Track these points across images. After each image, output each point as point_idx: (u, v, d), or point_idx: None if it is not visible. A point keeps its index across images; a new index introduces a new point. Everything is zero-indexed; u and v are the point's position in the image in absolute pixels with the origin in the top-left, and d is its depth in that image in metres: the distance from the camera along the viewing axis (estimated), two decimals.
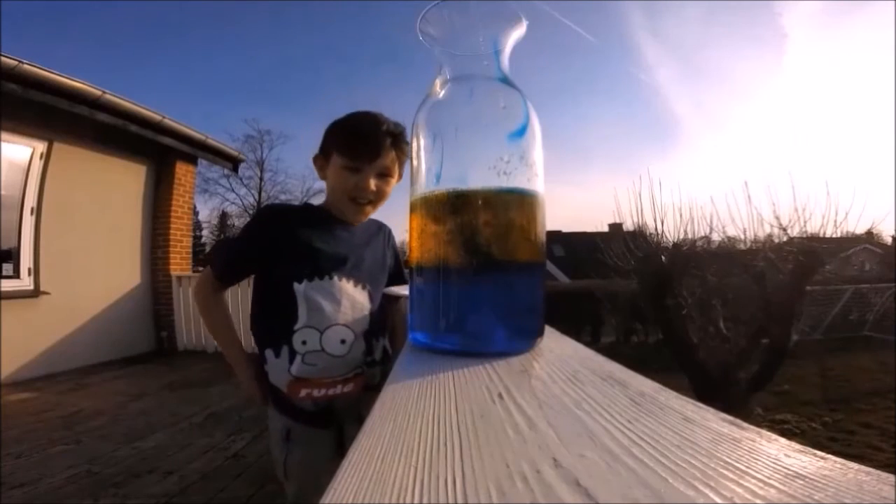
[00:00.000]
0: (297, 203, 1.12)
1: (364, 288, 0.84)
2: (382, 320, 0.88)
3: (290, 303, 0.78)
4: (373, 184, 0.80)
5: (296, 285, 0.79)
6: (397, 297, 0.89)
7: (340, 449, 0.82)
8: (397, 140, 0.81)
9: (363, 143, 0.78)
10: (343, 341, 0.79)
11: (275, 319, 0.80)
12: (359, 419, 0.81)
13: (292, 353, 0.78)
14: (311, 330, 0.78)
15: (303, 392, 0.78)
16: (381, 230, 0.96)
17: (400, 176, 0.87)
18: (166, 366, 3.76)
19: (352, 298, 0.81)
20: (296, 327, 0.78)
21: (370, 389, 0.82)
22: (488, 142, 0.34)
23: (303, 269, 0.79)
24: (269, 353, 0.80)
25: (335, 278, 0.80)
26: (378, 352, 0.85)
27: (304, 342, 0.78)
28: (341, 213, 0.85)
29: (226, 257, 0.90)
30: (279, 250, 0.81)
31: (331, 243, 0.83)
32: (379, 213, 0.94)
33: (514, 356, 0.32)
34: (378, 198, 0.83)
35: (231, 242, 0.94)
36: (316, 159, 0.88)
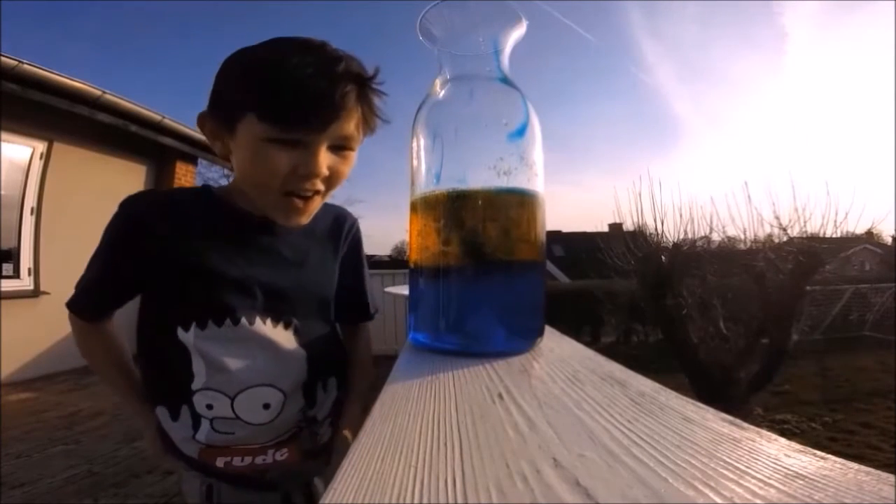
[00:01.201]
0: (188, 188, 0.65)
1: (288, 326, 0.56)
2: (329, 359, 0.62)
3: (179, 354, 0.52)
4: (325, 164, 0.48)
5: (181, 332, 0.52)
6: (355, 324, 0.70)
7: None
8: (364, 88, 0.49)
9: (311, 99, 0.45)
10: (267, 406, 0.54)
11: (161, 371, 0.56)
12: (308, 491, 0.63)
13: (196, 417, 0.54)
14: (216, 393, 0.53)
15: (219, 461, 0.55)
16: (336, 224, 0.64)
17: (372, 131, 0.53)
18: None
19: (272, 347, 0.54)
20: (194, 387, 0.53)
21: (316, 454, 0.61)
22: (488, 142, 0.34)
23: (192, 308, 0.52)
24: (162, 412, 0.56)
25: (242, 321, 0.52)
26: (325, 405, 0.61)
27: (209, 406, 0.53)
28: (261, 210, 0.54)
29: (85, 281, 0.58)
30: (155, 271, 0.53)
31: (233, 261, 0.53)
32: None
33: (514, 356, 0.32)
34: (332, 183, 0.51)
35: (92, 258, 0.54)
36: (203, 122, 0.52)
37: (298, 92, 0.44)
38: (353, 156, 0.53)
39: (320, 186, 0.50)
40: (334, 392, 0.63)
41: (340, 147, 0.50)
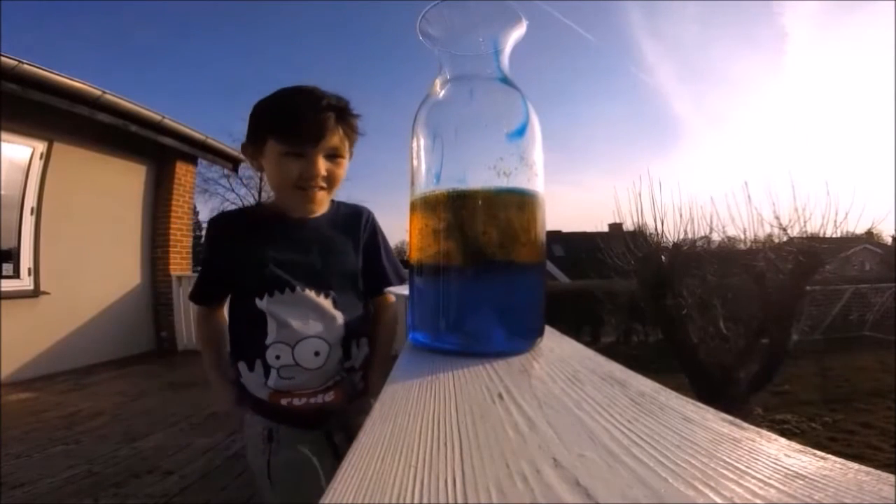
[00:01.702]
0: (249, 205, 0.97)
1: (327, 296, 0.76)
2: (361, 323, 0.81)
3: (258, 318, 0.73)
4: (322, 167, 0.71)
5: (258, 301, 0.74)
6: (385, 294, 0.85)
7: (335, 451, 0.78)
8: (342, 114, 0.72)
9: (303, 124, 0.69)
10: (317, 353, 0.74)
11: (245, 334, 0.77)
12: (345, 430, 0.79)
13: (266, 368, 0.74)
14: (282, 345, 0.73)
15: (283, 401, 0.74)
16: (355, 218, 0.84)
17: (350, 155, 0.78)
18: (166, 366, 3.76)
19: (319, 308, 0.75)
20: (267, 342, 0.73)
21: (354, 397, 0.79)
22: (488, 142, 0.34)
23: (262, 284, 0.74)
24: (242, 366, 0.76)
25: (297, 289, 0.74)
26: (358, 358, 0.80)
27: (277, 357, 0.73)
28: (289, 207, 0.77)
29: (197, 279, 0.84)
30: (237, 264, 0.76)
31: (283, 251, 0.76)
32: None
33: (514, 356, 0.32)
34: (331, 182, 0.75)
35: (205, 266, 0.87)
36: (245, 149, 0.78)
37: (298, 120, 0.69)
38: (345, 162, 0.76)
39: (322, 184, 0.73)
40: (365, 349, 0.81)
41: (333, 155, 0.74)
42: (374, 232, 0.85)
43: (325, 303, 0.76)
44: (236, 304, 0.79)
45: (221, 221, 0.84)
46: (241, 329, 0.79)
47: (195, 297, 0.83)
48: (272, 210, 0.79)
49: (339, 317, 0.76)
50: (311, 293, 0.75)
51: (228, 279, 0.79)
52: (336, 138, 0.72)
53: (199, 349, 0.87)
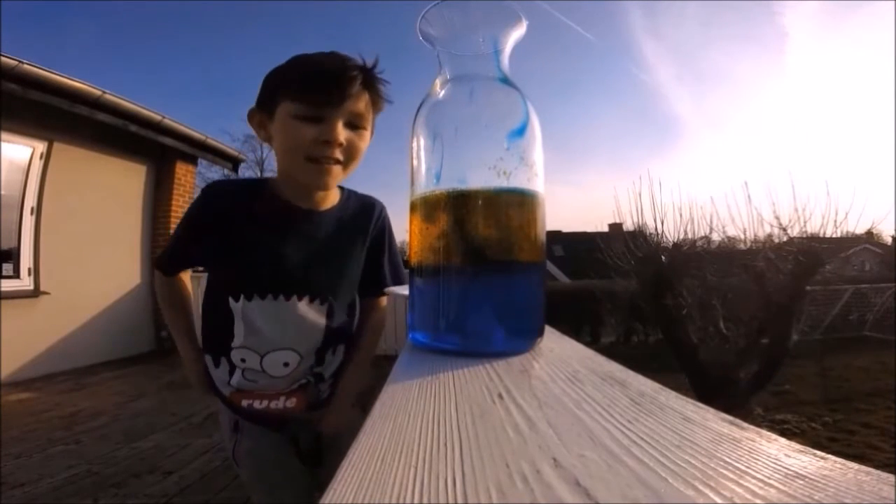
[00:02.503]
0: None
1: (323, 303, 0.70)
2: (343, 330, 0.75)
3: (227, 316, 0.67)
4: (342, 135, 0.60)
5: (232, 302, 0.66)
6: (372, 297, 0.80)
7: (298, 451, 0.74)
8: (371, 77, 0.62)
9: (326, 80, 0.59)
10: (286, 364, 0.69)
11: (213, 327, 0.71)
12: (311, 432, 0.75)
13: (231, 366, 0.70)
14: (250, 351, 0.68)
15: (244, 402, 0.71)
16: (366, 214, 0.74)
17: (372, 131, 0.67)
18: (166, 366, 3.76)
19: (302, 319, 0.68)
20: (233, 344, 0.68)
21: (318, 406, 0.74)
22: (488, 142, 0.34)
23: (244, 283, 0.66)
24: (208, 359, 0.73)
25: (284, 298, 0.67)
26: (331, 366, 0.74)
27: (242, 360, 0.69)
28: (299, 189, 0.66)
29: (171, 245, 0.75)
30: (223, 250, 0.67)
31: (286, 250, 0.67)
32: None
33: (514, 356, 0.32)
34: (350, 156, 0.63)
35: (179, 231, 0.75)
36: (252, 115, 0.67)
37: (318, 77, 0.59)
38: (367, 134, 0.65)
39: (339, 156, 0.61)
40: (341, 357, 0.75)
41: (355, 125, 0.62)
42: (383, 231, 0.77)
43: (315, 313, 0.69)
44: (210, 295, 0.72)
45: (219, 193, 0.70)
46: (211, 321, 0.72)
47: (162, 263, 0.75)
48: (277, 194, 0.68)
49: (322, 326, 0.70)
50: (299, 303, 0.68)
51: (203, 257, 0.72)
52: (361, 104, 0.62)
53: (165, 315, 0.80)
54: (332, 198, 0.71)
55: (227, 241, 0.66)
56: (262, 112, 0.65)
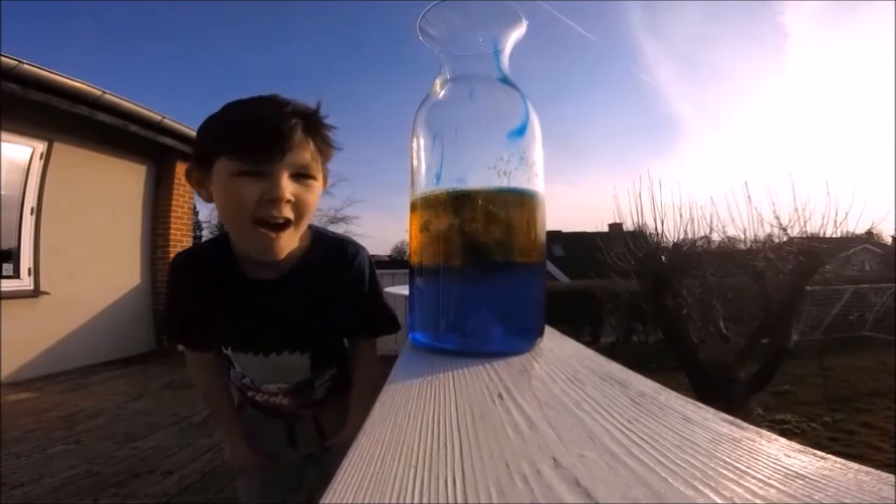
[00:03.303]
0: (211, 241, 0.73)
1: (304, 353, 0.70)
2: (333, 356, 0.77)
3: (225, 354, 0.73)
4: (287, 189, 0.54)
5: (224, 348, 0.71)
6: (364, 341, 0.79)
7: (292, 440, 0.81)
8: (313, 123, 0.57)
9: (264, 130, 0.53)
10: (279, 388, 0.74)
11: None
12: (315, 422, 0.81)
13: (238, 374, 0.75)
14: (247, 378, 0.75)
15: (249, 393, 0.78)
16: (337, 266, 0.68)
17: (324, 180, 0.61)
18: (166, 366, 3.76)
19: (285, 365, 0.70)
20: (234, 369, 0.75)
21: (310, 407, 0.79)
22: (488, 142, 0.34)
23: (225, 339, 0.70)
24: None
25: (263, 355, 0.69)
26: (323, 378, 0.76)
27: (242, 377, 0.75)
28: (247, 250, 0.61)
29: (172, 320, 0.72)
30: (198, 316, 0.68)
31: (252, 321, 0.66)
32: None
33: (514, 356, 0.32)
34: (300, 212, 0.57)
35: (169, 308, 0.72)
36: (190, 173, 0.61)
37: (255, 128, 0.53)
38: (317, 185, 0.59)
39: (289, 214, 0.55)
40: (333, 369, 0.77)
41: (302, 175, 0.57)
42: (360, 279, 0.70)
43: (296, 359, 0.70)
44: None
45: (180, 269, 0.69)
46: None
47: (176, 337, 0.74)
48: (235, 263, 0.64)
49: (308, 366, 0.71)
50: (277, 356, 0.69)
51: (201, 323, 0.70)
52: (307, 153, 0.56)
53: (203, 399, 0.81)
54: (295, 247, 0.63)
55: (205, 307, 0.67)
56: (200, 169, 0.59)
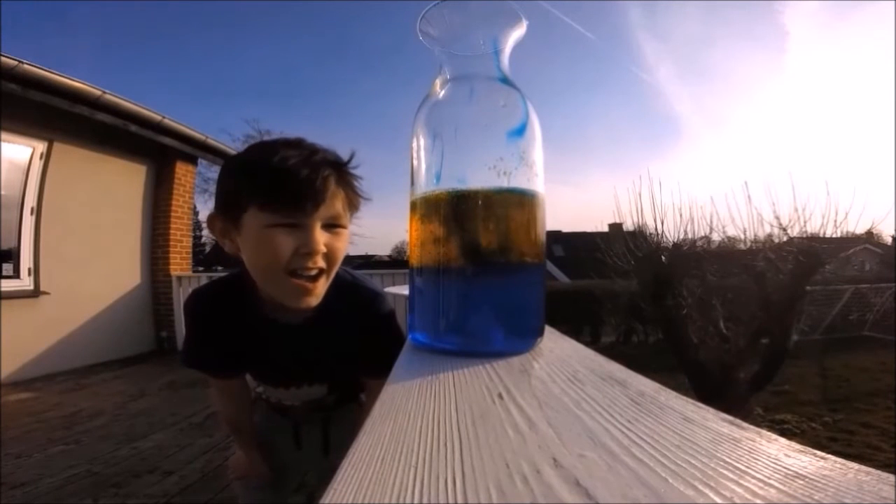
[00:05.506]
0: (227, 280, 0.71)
1: (322, 384, 0.78)
2: (349, 383, 0.83)
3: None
4: (321, 242, 0.54)
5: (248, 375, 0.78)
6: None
7: (297, 439, 0.85)
8: (343, 174, 0.57)
9: (299, 184, 0.52)
10: (294, 404, 0.81)
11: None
12: (322, 423, 0.85)
13: (252, 381, 0.82)
14: (264, 394, 0.83)
15: (264, 395, 0.84)
16: (353, 314, 0.68)
17: (356, 208, 0.62)
18: (166, 366, 3.75)
19: (304, 394, 0.78)
20: (254, 384, 0.82)
21: (318, 409, 0.83)
22: (488, 142, 0.34)
23: (249, 371, 0.77)
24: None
25: (283, 388, 0.77)
26: (336, 392, 0.82)
27: (259, 388, 0.83)
28: (277, 300, 0.59)
29: (198, 357, 0.71)
30: (226, 347, 0.69)
31: (273, 360, 0.71)
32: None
33: (513, 356, 0.32)
34: (331, 262, 0.57)
35: (191, 342, 0.70)
36: (213, 222, 0.60)
37: (288, 180, 0.52)
38: (346, 233, 0.60)
39: (322, 264, 0.56)
40: (336, 395, 0.82)
41: (333, 225, 0.57)
42: (374, 326, 0.70)
43: (315, 390, 0.78)
44: None
45: (200, 313, 0.68)
46: None
47: (196, 365, 0.72)
48: (258, 305, 0.64)
49: (326, 392, 0.79)
50: (297, 389, 0.76)
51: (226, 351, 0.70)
52: (338, 203, 0.56)
53: (226, 424, 0.86)
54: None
55: (227, 346, 0.68)
56: (226, 220, 0.57)
